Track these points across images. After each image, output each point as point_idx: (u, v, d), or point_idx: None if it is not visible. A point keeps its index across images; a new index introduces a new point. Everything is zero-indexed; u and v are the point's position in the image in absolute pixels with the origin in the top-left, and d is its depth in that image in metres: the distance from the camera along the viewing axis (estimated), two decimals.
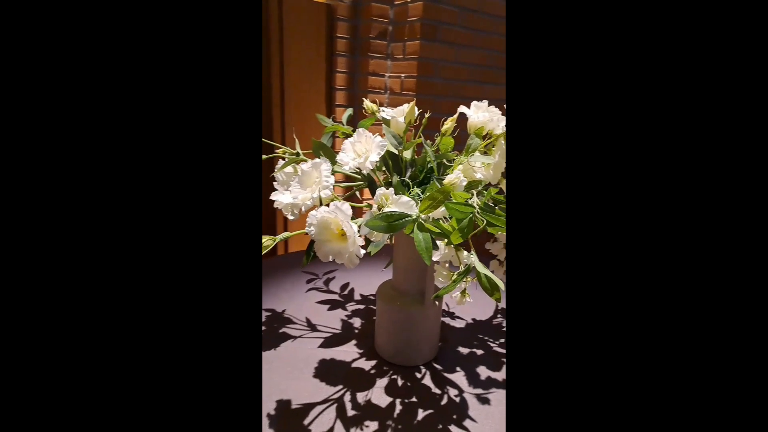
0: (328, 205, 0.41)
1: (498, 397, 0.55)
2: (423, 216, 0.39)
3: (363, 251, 0.38)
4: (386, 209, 0.42)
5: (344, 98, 1.48)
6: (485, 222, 0.39)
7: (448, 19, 1.29)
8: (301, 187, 0.42)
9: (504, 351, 0.65)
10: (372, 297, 0.82)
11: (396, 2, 1.33)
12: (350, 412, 0.51)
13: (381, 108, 0.56)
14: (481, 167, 0.50)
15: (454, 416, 0.51)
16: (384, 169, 0.55)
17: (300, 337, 0.67)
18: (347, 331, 0.69)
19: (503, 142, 0.47)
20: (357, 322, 0.72)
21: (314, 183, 0.41)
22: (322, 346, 0.64)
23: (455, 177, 0.40)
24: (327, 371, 0.58)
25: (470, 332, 0.71)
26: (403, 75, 1.34)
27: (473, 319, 0.75)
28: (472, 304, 0.80)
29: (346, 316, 0.74)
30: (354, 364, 0.60)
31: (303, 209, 0.41)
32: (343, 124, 0.67)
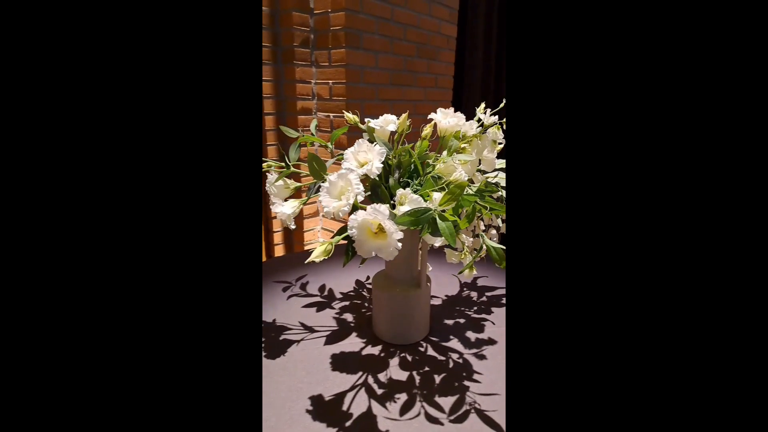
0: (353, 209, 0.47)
1: (491, 352, 0.66)
2: (441, 208, 0.47)
3: (400, 244, 0.45)
4: (403, 207, 0.49)
5: (272, 106, 1.47)
6: (488, 208, 0.49)
7: (367, 27, 1.37)
8: (330, 197, 0.47)
9: (480, 316, 0.78)
10: (352, 293, 0.87)
11: (315, 11, 1.37)
12: (379, 391, 0.57)
13: (367, 119, 0.63)
14: (458, 164, 0.60)
15: (464, 374, 0.61)
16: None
17: (302, 340, 0.70)
18: (343, 326, 0.74)
19: (479, 141, 0.58)
20: (349, 316, 0.77)
21: (347, 191, 0.46)
22: (327, 343, 0.69)
23: (459, 174, 0.49)
24: (342, 363, 0.63)
25: (448, 306, 0.81)
26: (331, 81, 1.39)
27: (446, 296, 0.86)
28: (441, 283, 0.91)
29: (336, 313, 0.79)
30: (364, 352, 0.66)
31: (341, 215, 0.46)
32: (313, 134, 0.72)
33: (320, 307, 0.81)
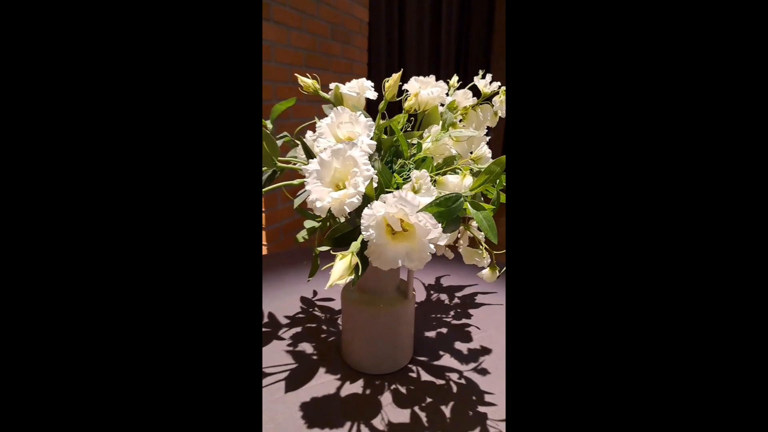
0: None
1: (490, 363, 0.57)
2: (472, 193, 0.35)
3: (433, 247, 0.31)
4: (421, 195, 0.36)
5: None
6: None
7: None
8: (322, 184, 0.30)
9: (461, 321, 0.68)
10: (301, 315, 0.70)
11: None
12: None
13: (335, 83, 0.47)
14: (452, 141, 0.48)
15: (473, 398, 0.50)
16: None
17: None
18: (304, 361, 0.57)
19: (480, 112, 0.47)
20: (307, 347, 0.60)
21: (351, 174, 0.30)
22: (290, 389, 0.51)
23: (484, 150, 0.37)
24: (320, 414, 0.47)
25: (421, 314, 0.70)
26: None
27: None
28: None
29: (289, 345, 0.61)
30: (342, 392, 0.50)
31: (346, 210, 0.29)
32: None
33: (265, 339, 0.62)
